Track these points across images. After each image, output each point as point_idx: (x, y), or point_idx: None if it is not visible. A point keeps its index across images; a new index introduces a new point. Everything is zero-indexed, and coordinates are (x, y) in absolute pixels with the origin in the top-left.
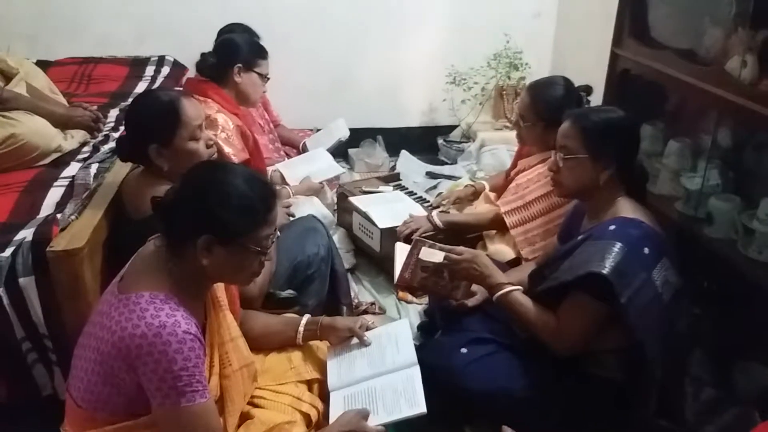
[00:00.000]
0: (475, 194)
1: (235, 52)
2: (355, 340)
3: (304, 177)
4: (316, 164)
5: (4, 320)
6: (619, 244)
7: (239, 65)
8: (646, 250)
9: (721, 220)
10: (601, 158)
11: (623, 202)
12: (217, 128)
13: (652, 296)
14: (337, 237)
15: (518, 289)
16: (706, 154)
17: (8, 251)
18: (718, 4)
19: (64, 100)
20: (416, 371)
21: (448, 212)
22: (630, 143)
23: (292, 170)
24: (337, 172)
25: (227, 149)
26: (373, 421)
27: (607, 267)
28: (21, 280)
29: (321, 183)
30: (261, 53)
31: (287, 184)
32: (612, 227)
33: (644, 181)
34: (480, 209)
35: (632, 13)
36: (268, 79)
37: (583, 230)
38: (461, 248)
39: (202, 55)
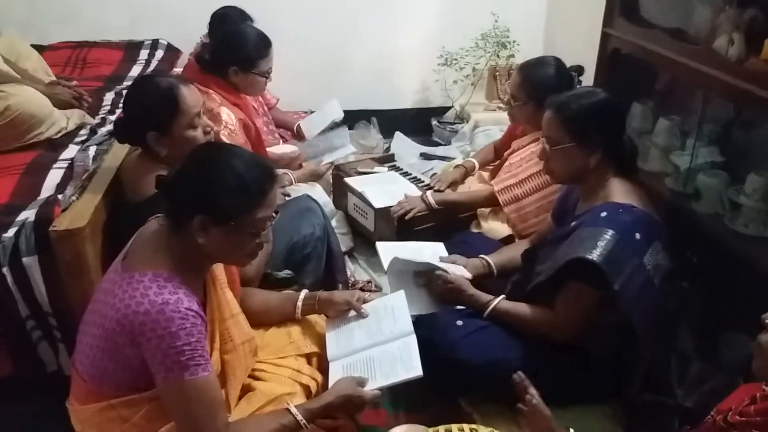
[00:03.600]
0: (467, 174)
1: (231, 56)
2: (352, 313)
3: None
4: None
5: (9, 299)
6: (611, 232)
7: (234, 68)
8: (638, 236)
9: (708, 196)
10: (587, 144)
11: (615, 184)
12: (220, 123)
13: (644, 281)
14: (335, 219)
15: (502, 299)
16: (695, 131)
17: (11, 231)
18: None
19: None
20: (413, 339)
21: (443, 191)
22: (614, 125)
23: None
24: (349, 152)
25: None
26: (370, 386)
27: (598, 254)
28: (24, 260)
29: (328, 164)
30: (260, 53)
31: (289, 169)
32: (603, 214)
33: (634, 157)
34: (474, 188)
35: None
36: (270, 73)
37: (578, 212)
38: (452, 276)
39: (202, 45)
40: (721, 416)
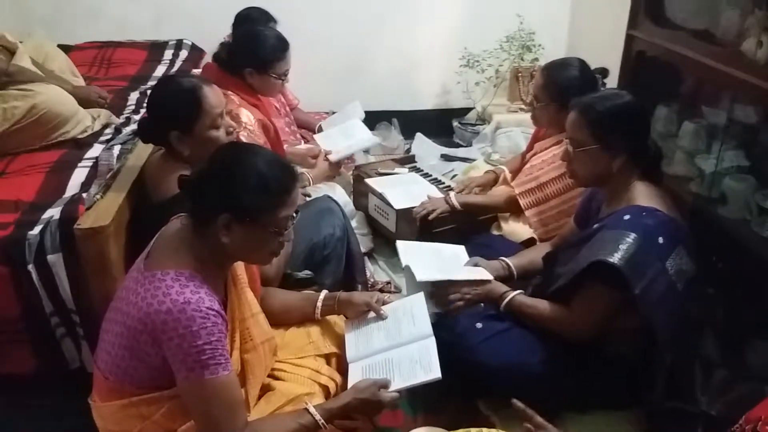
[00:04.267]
0: (496, 180)
1: (247, 57)
2: (372, 314)
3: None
4: (354, 138)
5: (34, 296)
6: (633, 235)
7: (250, 69)
8: (661, 240)
9: (735, 200)
10: (611, 147)
11: (639, 188)
12: (240, 124)
13: (667, 286)
14: (356, 220)
15: (520, 293)
16: (721, 134)
17: (37, 229)
18: None
19: (83, 83)
20: (432, 342)
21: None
22: (639, 128)
23: (330, 143)
24: (373, 142)
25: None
26: (389, 388)
27: (619, 257)
28: (49, 257)
29: (339, 164)
30: (277, 55)
31: (306, 167)
32: (627, 217)
33: (658, 161)
34: (496, 191)
35: None
36: (286, 75)
37: (602, 215)
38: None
39: (221, 45)
40: (751, 425)
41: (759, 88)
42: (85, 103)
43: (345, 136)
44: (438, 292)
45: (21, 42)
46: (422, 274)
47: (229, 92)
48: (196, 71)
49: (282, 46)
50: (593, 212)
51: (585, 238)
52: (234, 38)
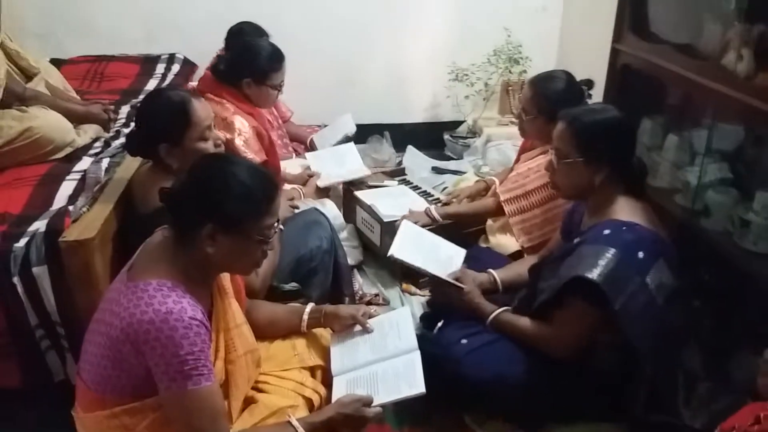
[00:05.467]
0: (486, 190)
1: (245, 67)
2: (358, 327)
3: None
4: (345, 166)
5: (19, 308)
6: (612, 250)
7: (248, 80)
8: (641, 255)
9: (718, 213)
10: (594, 161)
11: (621, 202)
12: (234, 132)
13: (646, 301)
14: (346, 232)
15: (507, 310)
16: (704, 147)
17: (22, 241)
18: None
19: (78, 99)
20: (417, 356)
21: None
22: (624, 144)
23: (320, 165)
24: (364, 173)
25: (246, 152)
26: (373, 403)
27: (598, 273)
28: (34, 269)
29: (328, 188)
30: (273, 66)
31: (300, 184)
32: (606, 231)
33: (643, 178)
34: (481, 200)
35: (632, 8)
36: (282, 86)
37: (584, 227)
38: (467, 287)
39: (217, 57)
40: None
41: (739, 101)
42: (91, 120)
43: (337, 162)
44: (426, 281)
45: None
46: (398, 253)
47: (224, 101)
48: (192, 84)
49: (278, 56)
50: (576, 224)
51: (566, 252)
52: (231, 50)
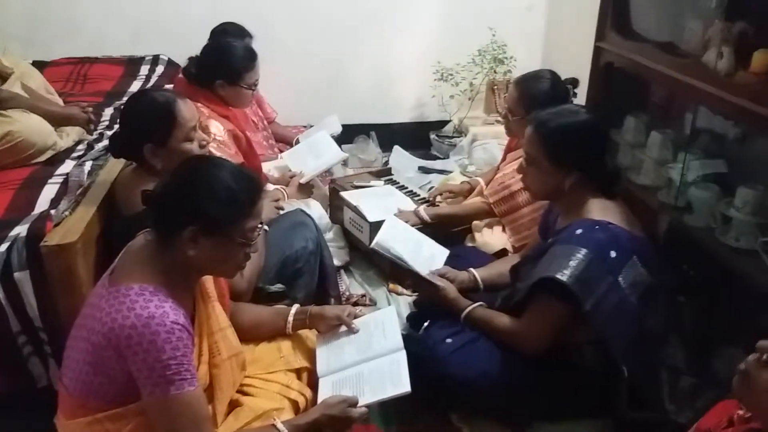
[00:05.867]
0: (471, 190)
1: (217, 69)
2: (343, 328)
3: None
4: (322, 156)
5: (0, 314)
6: (584, 250)
7: (221, 81)
8: (613, 254)
9: (700, 209)
10: (563, 164)
11: (594, 202)
12: (209, 135)
13: (619, 299)
14: (332, 233)
15: (480, 305)
16: (686, 144)
17: (3, 247)
18: None
19: (60, 101)
20: (402, 355)
21: (438, 206)
22: (593, 147)
23: (298, 161)
24: (341, 158)
25: (220, 156)
26: (359, 403)
27: (569, 274)
28: (16, 275)
29: (310, 185)
30: (246, 65)
31: (283, 185)
32: (579, 231)
33: (615, 179)
34: (468, 201)
35: (615, 7)
36: (256, 86)
37: (559, 227)
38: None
39: (189, 60)
40: None
41: (720, 98)
42: (71, 122)
43: (313, 154)
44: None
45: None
46: (383, 242)
47: (199, 104)
48: (169, 86)
49: (250, 56)
50: (552, 223)
51: (540, 252)
52: (203, 52)
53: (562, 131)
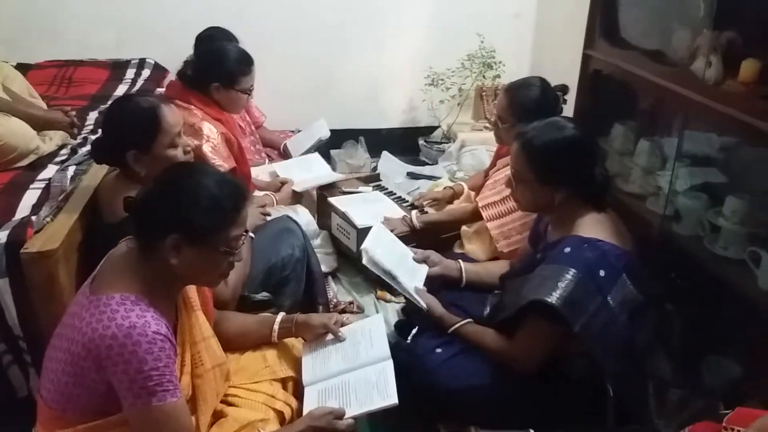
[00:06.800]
0: (454, 196)
1: (213, 72)
2: (330, 336)
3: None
4: (313, 172)
5: None
6: (573, 271)
7: (216, 84)
8: (602, 273)
9: (689, 218)
10: (552, 182)
11: (584, 217)
12: (202, 138)
13: (608, 319)
14: (320, 239)
15: (469, 322)
16: (675, 153)
17: None
18: (687, 5)
19: (43, 104)
20: (389, 365)
21: (426, 212)
22: (581, 162)
23: (288, 174)
24: (334, 179)
25: (214, 159)
26: (345, 414)
27: (557, 296)
28: None
29: (301, 193)
30: (242, 70)
31: (272, 191)
32: (567, 250)
33: (605, 191)
34: (456, 206)
35: (603, 15)
36: (251, 91)
37: (549, 240)
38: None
39: (185, 62)
40: None
41: (708, 107)
42: (53, 126)
43: (304, 171)
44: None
45: None
46: (371, 248)
47: (192, 107)
48: (160, 90)
49: (247, 60)
50: (542, 233)
51: (528, 266)
52: (198, 55)
53: (549, 149)
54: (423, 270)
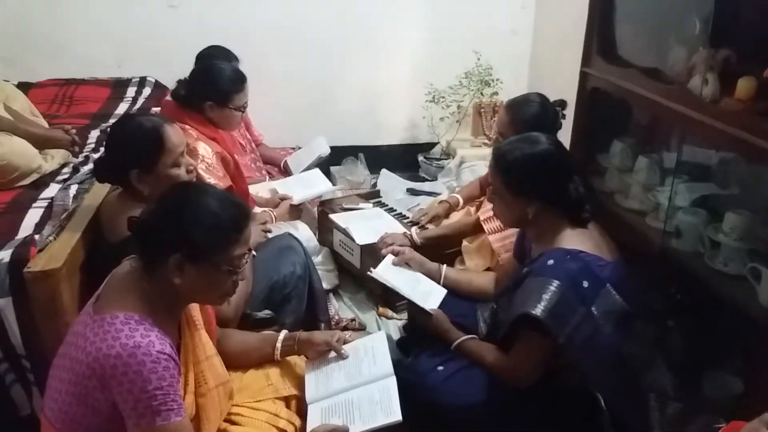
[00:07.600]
0: (450, 209)
1: (206, 91)
2: (332, 354)
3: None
4: (314, 189)
5: None
6: (556, 282)
7: (210, 103)
8: (585, 284)
9: (688, 234)
10: (523, 195)
11: (563, 230)
12: (197, 158)
13: (592, 330)
14: (321, 256)
15: (472, 338)
16: (674, 169)
17: None
18: (683, 23)
19: (45, 123)
20: (392, 382)
21: (427, 228)
22: (552, 176)
23: (287, 190)
24: (333, 190)
25: (209, 179)
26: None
27: (542, 308)
28: None
29: (300, 206)
30: (235, 87)
31: (271, 208)
32: (550, 262)
33: (581, 206)
34: (453, 220)
35: (600, 33)
36: (245, 108)
37: (533, 255)
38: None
39: (178, 82)
40: None
41: (705, 124)
42: (54, 144)
43: (303, 187)
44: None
45: None
46: (382, 273)
47: (187, 126)
48: (156, 110)
49: (240, 78)
50: (527, 248)
51: (517, 282)
52: (192, 74)
53: (520, 162)
54: (440, 293)
